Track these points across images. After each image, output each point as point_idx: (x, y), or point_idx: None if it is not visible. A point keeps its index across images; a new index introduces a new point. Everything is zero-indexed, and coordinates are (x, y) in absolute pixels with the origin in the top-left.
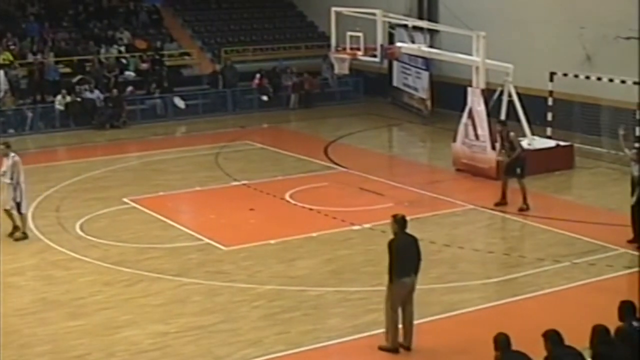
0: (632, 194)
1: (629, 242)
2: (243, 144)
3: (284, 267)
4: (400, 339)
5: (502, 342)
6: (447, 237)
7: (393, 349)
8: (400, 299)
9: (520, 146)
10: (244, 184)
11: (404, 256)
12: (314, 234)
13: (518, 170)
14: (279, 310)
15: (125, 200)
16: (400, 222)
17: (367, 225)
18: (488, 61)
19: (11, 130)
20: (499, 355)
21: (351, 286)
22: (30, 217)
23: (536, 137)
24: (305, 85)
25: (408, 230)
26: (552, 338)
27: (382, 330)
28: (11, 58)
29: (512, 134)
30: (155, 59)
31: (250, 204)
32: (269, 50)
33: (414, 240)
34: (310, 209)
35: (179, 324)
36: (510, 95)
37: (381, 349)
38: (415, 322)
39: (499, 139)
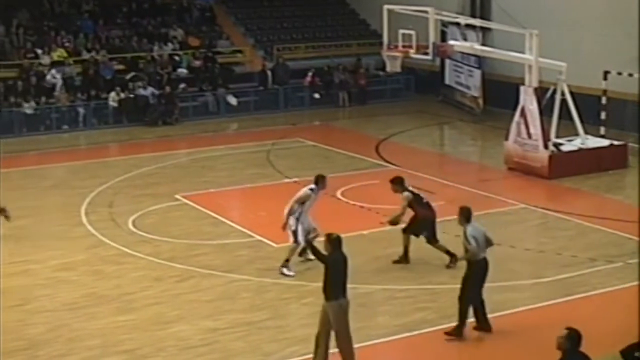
0: None
1: None
2: (294, 141)
3: None
4: None
5: (572, 338)
6: (498, 236)
7: None
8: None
9: (424, 206)
10: (295, 181)
11: (341, 276)
12: (365, 232)
13: (425, 233)
14: None
15: (176, 196)
16: (334, 242)
17: None
18: (541, 59)
19: (65, 127)
20: (567, 349)
21: (399, 284)
22: (84, 212)
23: (589, 136)
24: (360, 81)
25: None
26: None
27: (431, 329)
28: (66, 55)
29: (404, 194)
30: (208, 56)
31: None
32: (321, 47)
33: (346, 259)
34: (361, 207)
35: (228, 320)
36: (563, 94)
37: None
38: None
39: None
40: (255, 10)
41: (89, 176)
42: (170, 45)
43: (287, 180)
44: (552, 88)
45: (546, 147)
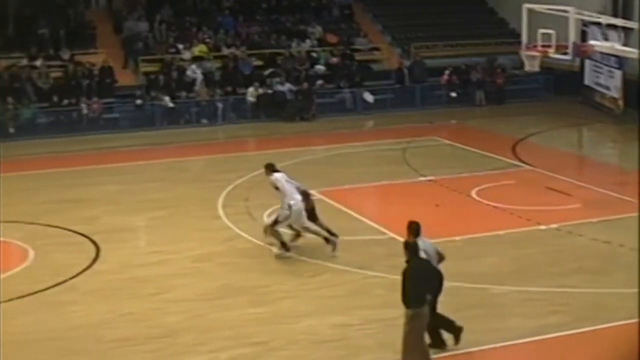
0: None
1: None
2: (430, 140)
3: (468, 264)
4: None
5: None
6: (636, 240)
7: None
8: (425, 329)
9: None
10: (430, 180)
11: (421, 283)
12: (500, 232)
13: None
14: (460, 307)
15: (311, 192)
16: (411, 247)
17: (553, 226)
18: None
19: (204, 121)
20: None
21: (534, 286)
22: (221, 205)
23: None
24: (498, 80)
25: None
26: None
27: (565, 332)
28: (206, 50)
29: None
30: (346, 54)
31: (436, 199)
32: (459, 46)
33: (428, 265)
34: (496, 207)
35: (360, 316)
36: None
37: None
38: (599, 326)
39: None
40: (393, 7)
41: (226, 170)
42: (308, 42)
43: (422, 178)
44: None
45: None
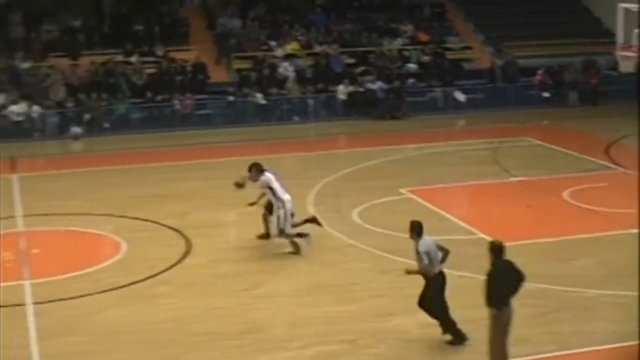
0: None
1: None
2: (522, 140)
3: (558, 266)
4: None
5: None
6: None
7: None
8: (508, 330)
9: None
10: (521, 180)
11: (504, 285)
12: (591, 235)
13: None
14: (550, 310)
15: (401, 190)
16: (496, 249)
17: None
18: None
19: (296, 118)
20: None
21: (626, 291)
22: (312, 203)
23: None
24: (592, 81)
25: None
26: None
27: None
28: (298, 48)
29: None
30: (437, 52)
31: (527, 200)
32: (552, 45)
33: (512, 267)
34: (588, 209)
35: None
36: None
37: None
38: None
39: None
40: (486, 6)
41: (317, 167)
42: (399, 40)
43: (512, 179)
44: None
45: None
